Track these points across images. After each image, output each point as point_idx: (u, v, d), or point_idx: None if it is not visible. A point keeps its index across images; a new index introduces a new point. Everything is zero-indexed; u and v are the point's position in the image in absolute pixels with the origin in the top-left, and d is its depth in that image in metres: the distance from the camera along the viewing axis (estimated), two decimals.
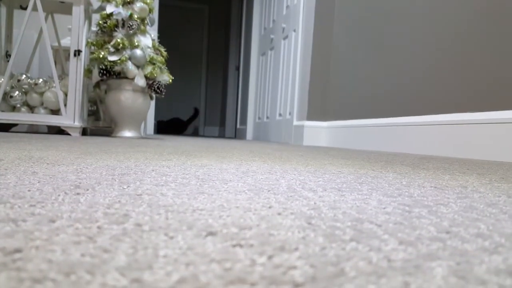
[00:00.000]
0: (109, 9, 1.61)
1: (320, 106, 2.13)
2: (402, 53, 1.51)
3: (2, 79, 1.59)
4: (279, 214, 0.22)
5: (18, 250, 0.13)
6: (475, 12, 1.16)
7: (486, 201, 0.29)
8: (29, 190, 0.25)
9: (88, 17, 1.75)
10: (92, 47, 1.67)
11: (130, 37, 1.64)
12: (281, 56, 2.72)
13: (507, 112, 1.01)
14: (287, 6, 2.66)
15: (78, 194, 0.25)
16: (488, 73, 1.10)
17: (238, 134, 3.96)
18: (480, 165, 0.76)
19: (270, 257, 0.14)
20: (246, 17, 3.80)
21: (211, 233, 0.17)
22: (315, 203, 0.26)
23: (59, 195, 0.24)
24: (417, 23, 1.43)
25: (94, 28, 1.77)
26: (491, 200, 0.30)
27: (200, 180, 0.34)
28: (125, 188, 0.28)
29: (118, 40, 1.60)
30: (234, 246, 0.15)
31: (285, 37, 2.64)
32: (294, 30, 2.44)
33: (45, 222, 0.17)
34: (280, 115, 2.69)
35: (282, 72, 2.68)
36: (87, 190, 0.27)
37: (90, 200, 0.23)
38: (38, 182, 0.29)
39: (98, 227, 0.17)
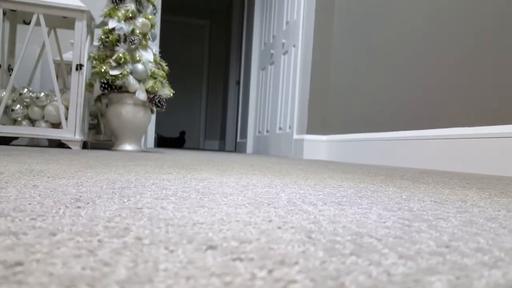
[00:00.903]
0: (111, 24, 1.64)
1: (320, 120, 2.15)
2: (401, 68, 1.53)
3: (4, 93, 1.60)
4: (279, 228, 0.22)
5: (19, 263, 0.13)
6: (479, 25, 1.18)
7: (486, 216, 0.30)
8: (29, 204, 0.25)
9: (90, 32, 1.78)
10: (94, 62, 1.69)
11: (131, 51, 1.66)
12: (281, 71, 2.76)
13: (506, 127, 1.02)
14: (287, 22, 2.71)
15: (78, 207, 0.25)
16: (488, 88, 1.11)
17: (238, 148, 3.97)
18: (480, 179, 0.76)
19: (270, 271, 0.14)
20: (247, 32, 3.87)
21: (211, 247, 0.17)
22: (315, 217, 0.26)
23: (59, 209, 0.24)
24: (417, 38, 1.46)
25: (96, 42, 1.80)
26: (491, 215, 0.30)
27: (200, 193, 0.35)
28: (125, 202, 0.28)
29: (120, 54, 1.62)
30: (234, 260, 0.15)
31: (285, 52, 2.68)
32: (294, 46, 2.48)
33: (46, 235, 0.18)
34: (280, 128, 2.70)
35: (282, 86, 2.71)
36: (88, 203, 0.27)
37: (90, 214, 0.23)
38: (39, 195, 0.29)
39: (99, 241, 0.17)
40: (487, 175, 0.97)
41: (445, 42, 1.30)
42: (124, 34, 1.65)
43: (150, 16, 1.72)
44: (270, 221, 0.23)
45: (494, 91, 1.08)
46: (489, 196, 0.44)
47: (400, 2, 1.56)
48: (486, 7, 1.13)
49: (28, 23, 1.70)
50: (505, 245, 0.20)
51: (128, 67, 1.64)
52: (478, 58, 1.14)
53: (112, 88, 1.63)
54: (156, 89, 1.69)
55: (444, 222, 0.26)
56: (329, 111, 2.13)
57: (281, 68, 2.75)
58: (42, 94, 1.69)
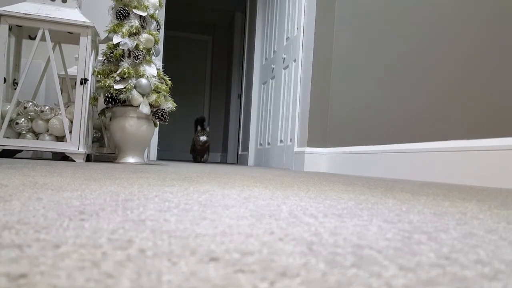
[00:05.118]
0: (116, 39, 1.67)
1: (320, 133, 2.15)
2: (401, 81, 1.55)
3: (9, 106, 1.62)
4: (280, 239, 0.22)
5: (23, 276, 0.14)
6: (483, 38, 1.20)
7: (486, 228, 0.30)
8: (34, 216, 0.26)
9: (95, 47, 1.81)
10: (99, 76, 1.71)
11: (136, 66, 1.69)
12: (281, 85, 2.78)
13: (506, 139, 1.02)
14: (288, 38, 2.75)
15: (82, 220, 0.25)
16: (488, 101, 1.12)
17: (240, 160, 3.97)
18: (479, 191, 0.76)
19: (272, 283, 0.14)
20: (248, 47, 3.92)
21: (214, 259, 0.17)
22: (316, 229, 0.26)
23: (63, 221, 0.24)
24: (415, 54, 1.48)
25: (100, 57, 1.83)
26: (491, 227, 0.30)
27: (203, 205, 0.35)
28: (128, 214, 0.28)
29: (124, 69, 1.64)
30: (236, 271, 0.15)
31: (286, 67, 2.72)
32: (294, 60, 2.52)
33: (49, 248, 0.18)
34: (281, 141, 2.70)
35: (283, 100, 2.73)
36: (91, 216, 0.27)
37: (94, 226, 0.23)
38: (43, 208, 0.29)
39: (103, 253, 0.17)
40: (487, 187, 0.96)
41: (444, 56, 1.31)
42: (128, 49, 1.68)
43: (153, 32, 1.75)
44: (271, 233, 0.24)
45: (493, 104, 1.08)
46: (488, 208, 0.44)
47: (399, 18, 1.59)
48: (492, 16, 1.14)
49: (34, 38, 1.74)
50: (505, 257, 0.20)
51: (132, 82, 1.66)
52: (478, 72, 1.16)
53: (116, 102, 1.65)
54: (160, 102, 1.70)
55: (444, 234, 0.26)
56: (329, 124, 2.14)
57: (282, 82, 2.78)
58: (47, 107, 1.71)
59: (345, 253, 0.19)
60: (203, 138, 3.16)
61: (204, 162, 3.21)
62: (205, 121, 3.32)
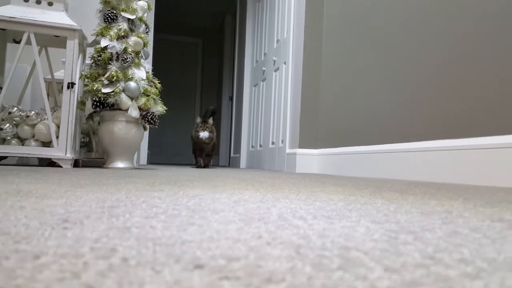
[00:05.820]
0: (104, 43, 1.65)
1: (312, 134, 2.16)
2: (388, 83, 1.57)
3: None
4: (268, 244, 0.22)
5: None
6: (464, 43, 1.22)
7: (470, 226, 0.30)
8: (14, 226, 0.25)
9: (82, 50, 1.79)
10: (86, 80, 1.69)
11: (124, 69, 1.67)
12: (272, 87, 2.79)
13: (492, 138, 1.04)
14: (278, 40, 2.77)
15: (65, 228, 0.25)
16: (474, 101, 1.14)
17: (232, 163, 3.96)
18: (466, 190, 0.77)
19: None
20: (239, 50, 3.93)
21: (199, 266, 0.17)
22: (304, 231, 0.26)
23: (45, 230, 0.24)
24: (402, 56, 1.50)
25: (88, 61, 1.81)
26: (475, 225, 0.31)
27: (191, 211, 0.34)
28: (114, 221, 0.28)
29: (112, 72, 1.63)
30: (221, 279, 0.15)
31: (276, 69, 2.73)
32: (285, 63, 2.53)
33: (29, 259, 0.17)
34: (273, 143, 2.71)
35: (274, 102, 2.74)
36: (75, 224, 0.26)
37: (77, 235, 0.23)
38: (25, 217, 0.29)
39: (84, 263, 0.17)
40: (473, 185, 0.98)
41: (431, 57, 1.33)
42: (117, 53, 1.66)
43: (142, 35, 1.74)
44: (259, 237, 0.23)
45: (479, 103, 1.11)
46: (474, 207, 0.44)
47: (386, 21, 1.61)
48: (492, 16, 1.17)
49: (19, 42, 1.71)
50: (487, 256, 0.20)
51: (120, 85, 1.64)
52: (465, 72, 1.18)
53: (104, 105, 1.63)
54: (149, 106, 1.69)
55: (430, 234, 0.26)
56: (320, 125, 2.15)
57: (273, 84, 2.78)
58: (33, 112, 1.68)
59: (332, 256, 0.19)
60: (203, 134, 2.18)
61: (205, 166, 2.35)
62: (214, 113, 2.34)
